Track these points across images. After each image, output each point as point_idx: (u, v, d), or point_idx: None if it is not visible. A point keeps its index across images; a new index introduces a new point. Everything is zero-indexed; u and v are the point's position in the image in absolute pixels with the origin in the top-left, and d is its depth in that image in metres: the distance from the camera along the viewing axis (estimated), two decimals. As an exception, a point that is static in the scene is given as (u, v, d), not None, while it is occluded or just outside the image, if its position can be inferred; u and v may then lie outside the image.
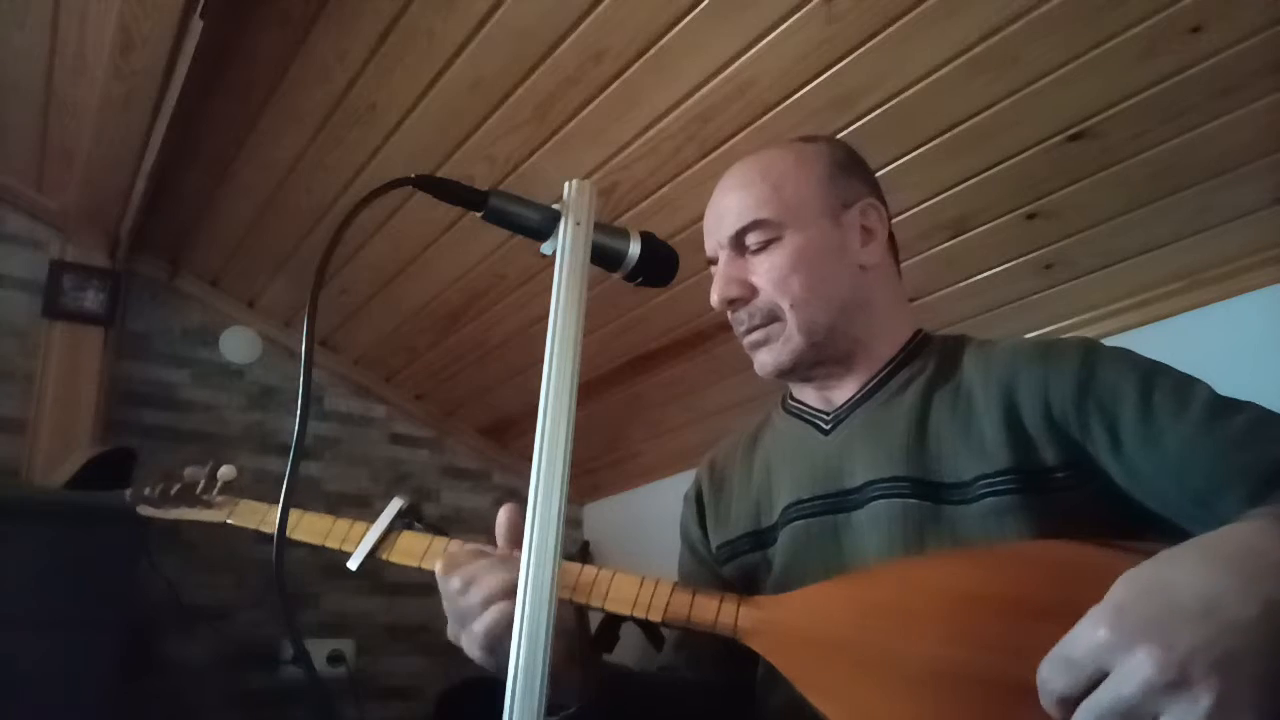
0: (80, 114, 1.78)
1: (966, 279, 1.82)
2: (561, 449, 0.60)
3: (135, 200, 2.01)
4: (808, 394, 0.99)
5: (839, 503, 0.89)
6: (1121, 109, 1.39)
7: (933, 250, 1.76)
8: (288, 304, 2.52)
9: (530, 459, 0.59)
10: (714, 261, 0.97)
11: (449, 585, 0.79)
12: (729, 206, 0.95)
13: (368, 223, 2.05)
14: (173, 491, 1.06)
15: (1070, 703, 0.54)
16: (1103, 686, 0.53)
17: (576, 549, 2.96)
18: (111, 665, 1.67)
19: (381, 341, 2.56)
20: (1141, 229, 1.59)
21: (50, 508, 1.79)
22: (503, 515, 0.84)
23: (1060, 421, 0.80)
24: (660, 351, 2.28)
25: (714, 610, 0.78)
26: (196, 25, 1.44)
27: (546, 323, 0.64)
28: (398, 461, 2.76)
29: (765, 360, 0.94)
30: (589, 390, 2.46)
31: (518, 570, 0.74)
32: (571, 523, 3.00)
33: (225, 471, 1.04)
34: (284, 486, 0.64)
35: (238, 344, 2.52)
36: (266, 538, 0.63)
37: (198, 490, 1.05)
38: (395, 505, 0.91)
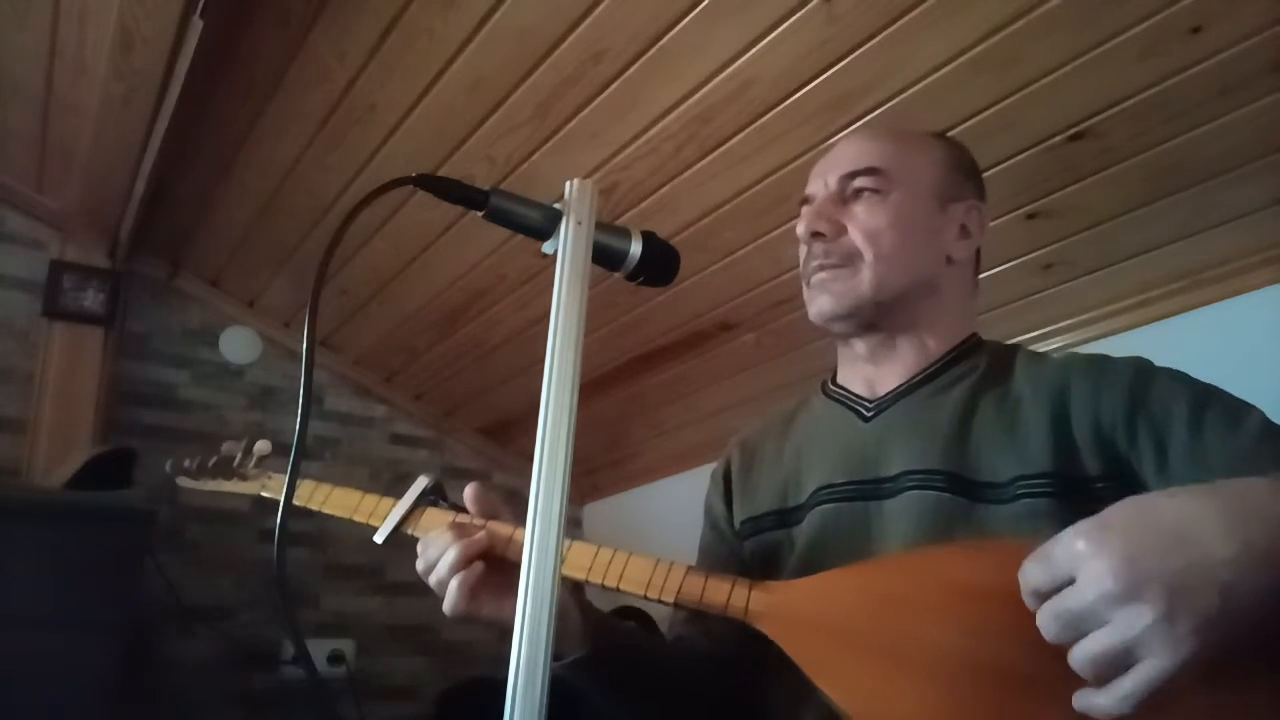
0: (80, 114, 1.78)
1: (966, 279, 1.81)
2: (562, 449, 0.60)
3: (135, 200, 2.01)
4: (852, 379, 0.99)
5: (872, 490, 0.89)
6: (1121, 109, 1.39)
7: (933, 250, 1.76)
8: (288, 304, 2.52)
9: (530, 459, 0.59)
10: (806, 202, 0.99)
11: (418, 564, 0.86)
12: (851, 151, 0.97)
13: (368, 223, 2.05)
14: (210, 464, 1.11)
15: (1042, 597, 0.59)
16: (1066, 591, 0.58)
17: (576, 549, 2.96)
18: (112, 665, 1.67)
19: (381, 341, 2.56)
20: (1141, 229, 1.59)
21: (51, 508, 1.78)
22: (469, 491, 0.90)
23: (1108, 434, 0.80)
24: (660, 351, 2.28)
25: (725, 593, 0.79)
26: (196, 25, 1.44)
27: (547, 323, 0.64)
28: (398, 461, 2.76)
29: (824, 304, 0.94)
30: (589, 390, 2.46)
31: (459, 542, 0.82)
32: (571, 523, 2.99)
33: (261, 446, 1.09)
34: (285, 486, 0.64)
35: (238, 344, 2.52)
36: (268, 537, 0.63)
37: (234, 464, 1.09)
38: (421, 483, 0.94)
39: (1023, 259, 1.73)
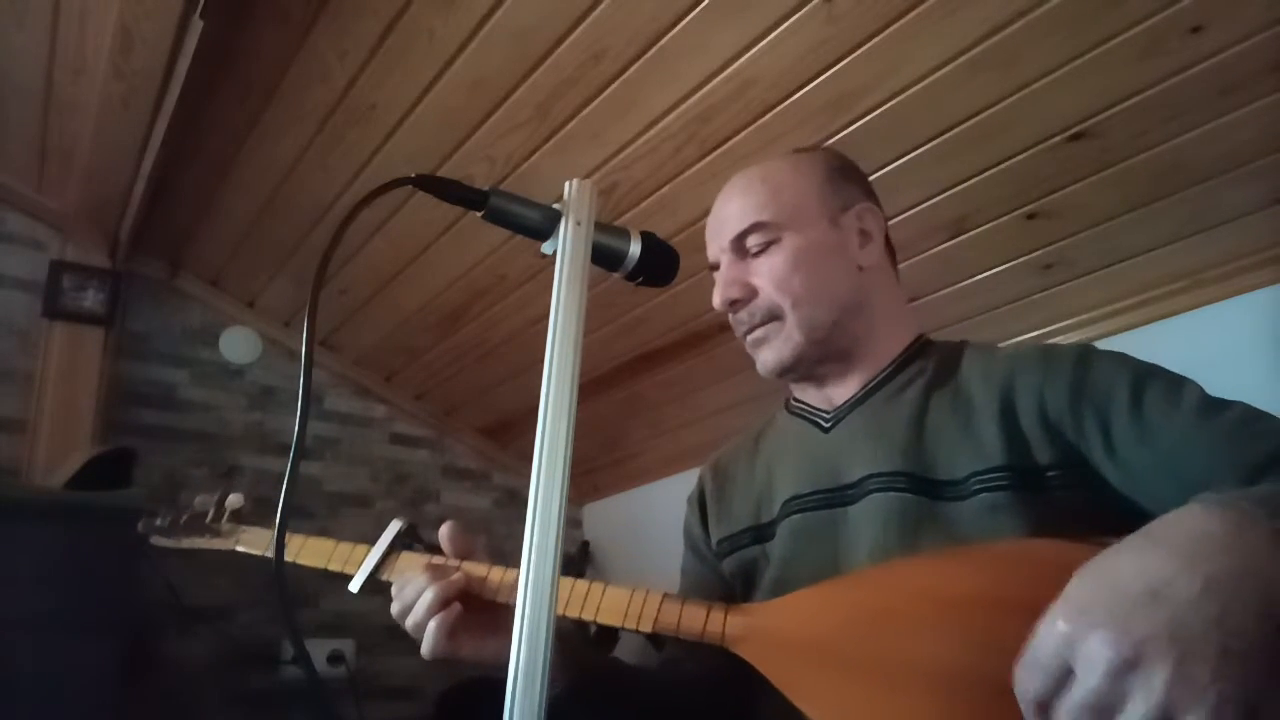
0: (80, 114, 1.78)
1: (966, 279, 1.82)
2: (561, 449, 0.60)
3: (135, 200, 2.01)
4: (809, 394, 1.01)
5: (837, 497, 0.90)
6: (1121, 109, 1.39)
7: (933, 250, 1.76)
8: (288, 304, 2.52)
9: (530, 459, 0.59)
10: (715, 267, 1.00)
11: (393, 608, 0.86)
12: (730, 212, 0.98)
13: (368, 223, 2.05)
14: (182, 521, 1.11)
15: (1046, 705, 0.55)
16: (1072, 687, 0.54)
17: (576, 549, 2.96)
18: (112, 665, 1.67)
19: (381, 341, 2.56)
20: (1141, 229, 1.59)
21: (50, 508, 1.78)
22: (444, 530, 0.89)
23: (1055, 423, 0.81)
24: (660, 351, 2.28)
25: (702, 619, 0.79)
26: (196, 25, 1.44)
27: (547, 323, 0.64)
28: (398, 461, 2.76)
29: (767, 359, 0.96)
30: (589, 390, 2.46)
31: (435, 584, 0.82)
32: (571, 523, 3.00)
33: (233, 500, 1.08)
34: (284, 486, 0.64)
35: (238, 344, 2.52)
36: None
37: (207, 519, 1.09)
38: (394, 527, 0.93)
39: (1023, 259, 1.73)
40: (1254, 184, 1.46)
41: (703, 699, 0.96)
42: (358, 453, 2.69)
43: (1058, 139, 1.46)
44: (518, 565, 0.58)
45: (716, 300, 0.96)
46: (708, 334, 2.15)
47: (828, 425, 0.96)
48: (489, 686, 2.16)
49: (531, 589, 0.56)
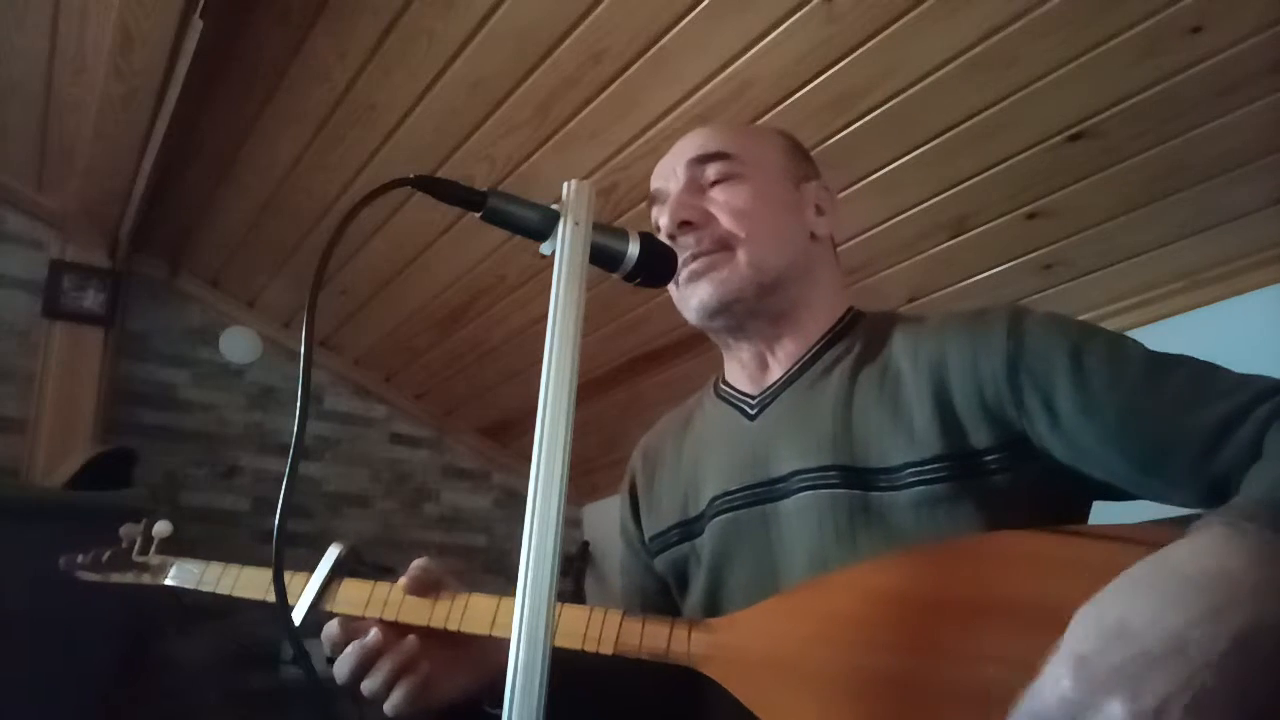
0: (80, 114, 1.78)
1: (966, 279, 1.81)
2: (561, 449, 0.60)
3: (135, 200, 2.01)
4: (737, 375, 0.96)
5: (766, 492, 0.87)
6: (1121, 109, 1.39)
7: (933, 250, 1.76)
8: (288, 304, 2.52)
9: (530, 459, 0.59)
10: (654, 199, 0.95)
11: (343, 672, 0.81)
12: (695, 139, 0.94)
13: (368, 223, 2.05)
14: (105, 558, 1.00)
15: None
16: (1026, 700, 0.50)
17: (576, 549, 2.96)
18: (112, 665, 1.67)
19: (381, 341, 2.56)
20: (1141, 229, 1.59)
21: (50, 508, 1.79)
22: (411, 570, 0.83)
23: (994, 405, 0.77)
24: (660, 351, 2.28)
25: (665, 638, 0.75)
26: (196, 25, 1.44)
27: (546, 323, 0.64)
28: (398, 461, 2.76)
29: (705, 292, 0.88)
30: (589, 390, 2.46)
31: (389, 659, 0.78)
32: (571, 523, 3.00)
33: (160, 528, 0.98)
34: (283, 486, 0.63)
35: (238, 344, 2.52)
36: (267, 536, 0.63)
37: (133, 553, 0.99)
38: (333, 553, 0.87)
39: (1023, 259, 1.73)
40: (1254, 184, 1.46)
41: (665, 687, 0.93)
42: (358, 453, 2.69)
43: (1057, 139, 1.46)
44: (515, 566, 0.58)
45: (665, 220, 0.89)
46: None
47: (753, 413, 0.92)
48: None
49: (531, 589, 0.56)
